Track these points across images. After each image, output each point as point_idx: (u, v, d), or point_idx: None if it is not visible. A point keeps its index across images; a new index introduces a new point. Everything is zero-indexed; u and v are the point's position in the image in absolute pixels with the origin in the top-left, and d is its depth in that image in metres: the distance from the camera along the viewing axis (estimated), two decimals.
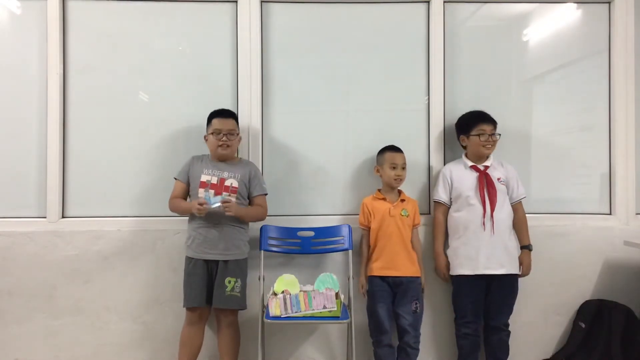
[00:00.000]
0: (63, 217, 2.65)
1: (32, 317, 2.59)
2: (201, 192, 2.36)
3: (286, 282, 2.31)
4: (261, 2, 2.70)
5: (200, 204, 2.24)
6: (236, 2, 2.68)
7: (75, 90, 2.67)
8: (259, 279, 2.48)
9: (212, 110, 2.45)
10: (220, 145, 2.37)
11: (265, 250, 2.51)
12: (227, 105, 2.62)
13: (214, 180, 2.37)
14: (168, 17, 2.70)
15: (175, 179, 2.45)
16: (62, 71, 2.64)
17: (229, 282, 2.32)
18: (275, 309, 2.21)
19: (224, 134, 2.37)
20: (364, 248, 2.54)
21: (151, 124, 2.69)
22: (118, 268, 2.60)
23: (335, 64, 2.75)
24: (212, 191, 2.35)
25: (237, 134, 2.45)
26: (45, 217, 2.62)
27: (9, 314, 2.59)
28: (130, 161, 2.68)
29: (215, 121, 2.40)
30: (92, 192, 2.66)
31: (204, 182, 2.37)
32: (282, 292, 2.26)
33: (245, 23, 2.67)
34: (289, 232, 2.59)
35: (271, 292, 2.31)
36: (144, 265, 2.61)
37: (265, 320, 2.24)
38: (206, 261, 2.35)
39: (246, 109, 2.64)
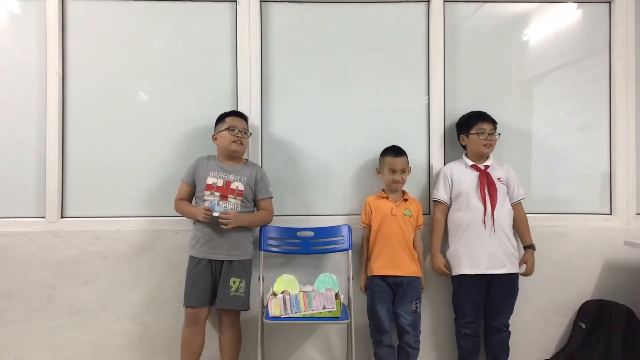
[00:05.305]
0: (62, 217, 2.64)
1: (31, 317, 2.58)
2: (207, 194, 2.36)
3: (286, 283, 2.31)
4: (261, 2, 2.70)
5: (206, 210, 2.26)
6: (236, 2, 2.68)
7: (74, 90, 2.67)
8: (259, 279, 2.47)
9: (211, 110, 2.47)
10: (235, 141, 2.38)
11: (264, 250, 2.50)
12: (227, 105, 2.63)
13: (220, 182, 2.37)
14: (168, 17, 2.70)
15: (182, 180, 2.46)
16: (61, 71, 2.64)
17: (234, 282, 2.32)
18: (274, 309, 2.20)
19: (239, 130, 2.38)
20: (364, 247, 2.53)
21: (151, 124, 2.68)
22: (117, 268, 2.60)
23: (335, 64, 2.74)
24: (217, 198, 2.35)
25: (250, 135, 2.48)
26: (44, 217, 2.61)
27: (8, 314, 2.58)
28: (129, 161, 2.67)
29: (229, 119, 2.41)
30: (91, 192, 2.66)
31: (210, 184, 2.36)
32: (282, 292, 2.25)
33: (245, 23, 2.67)
34: (289, 232, 2.58)
35: (271, 292, 2.30)
36: (143, 265, 2.60)
37: (265, 320, 2.23)
38: (210, 261, 2.34)
39: (246, 109, 2.63)
